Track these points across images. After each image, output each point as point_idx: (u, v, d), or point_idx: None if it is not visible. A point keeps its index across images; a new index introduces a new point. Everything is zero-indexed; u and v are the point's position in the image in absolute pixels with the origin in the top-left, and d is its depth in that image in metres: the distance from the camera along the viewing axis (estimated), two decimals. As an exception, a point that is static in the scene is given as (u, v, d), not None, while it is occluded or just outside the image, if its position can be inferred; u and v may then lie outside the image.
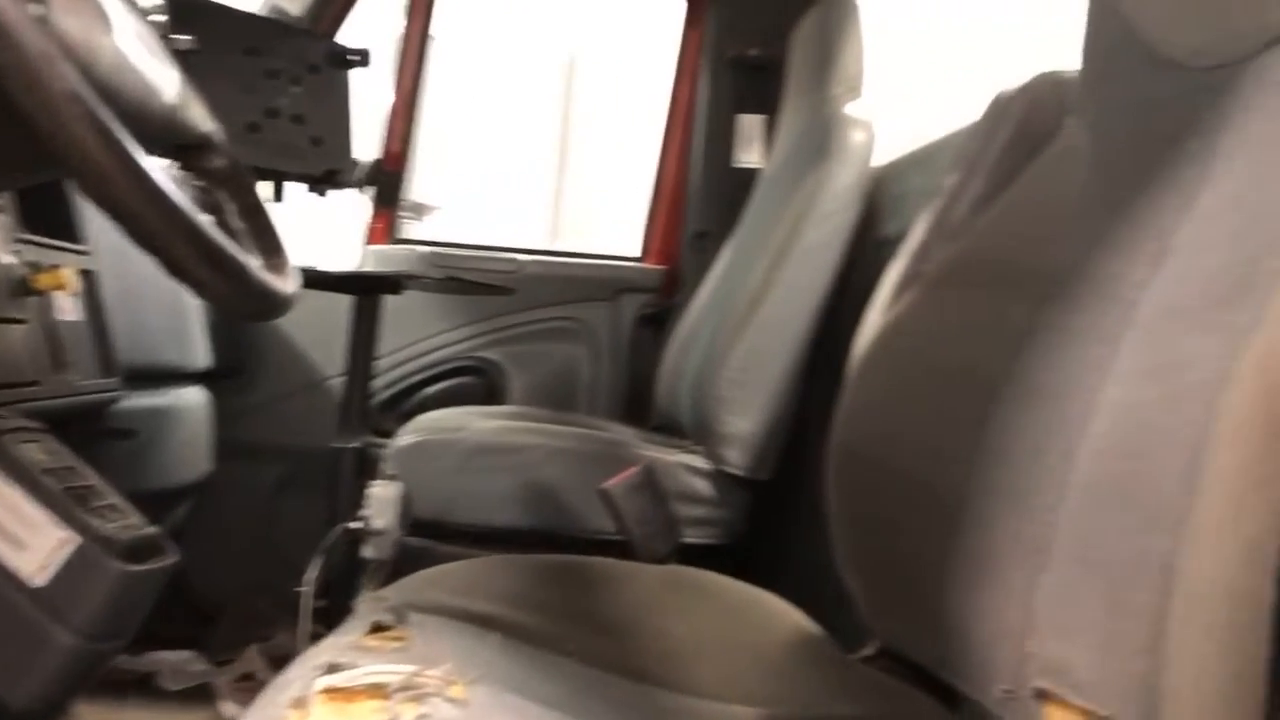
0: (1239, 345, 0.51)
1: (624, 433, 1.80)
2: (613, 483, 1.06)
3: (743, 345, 1.56)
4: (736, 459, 1.55)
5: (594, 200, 6.96)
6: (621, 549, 1.20)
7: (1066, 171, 0.78)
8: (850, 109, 1.66)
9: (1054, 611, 0.62)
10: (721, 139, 2.23)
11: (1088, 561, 0.60)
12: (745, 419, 1.54)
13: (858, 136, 1.58)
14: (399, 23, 2.25)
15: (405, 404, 2.18)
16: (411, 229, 2.50)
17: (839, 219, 1.54)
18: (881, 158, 1.60)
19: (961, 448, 0.73)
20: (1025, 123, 0.86)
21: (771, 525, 1.62)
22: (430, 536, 1.49)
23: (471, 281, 1.99)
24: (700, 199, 2.26)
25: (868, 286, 0.95)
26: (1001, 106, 0.89)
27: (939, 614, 0.73)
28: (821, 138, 1.62)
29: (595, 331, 2.30)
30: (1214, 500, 0.48)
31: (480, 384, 2.25)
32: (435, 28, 2.27)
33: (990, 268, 0.81)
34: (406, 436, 1.57)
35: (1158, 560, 0.53)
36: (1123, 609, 0.55)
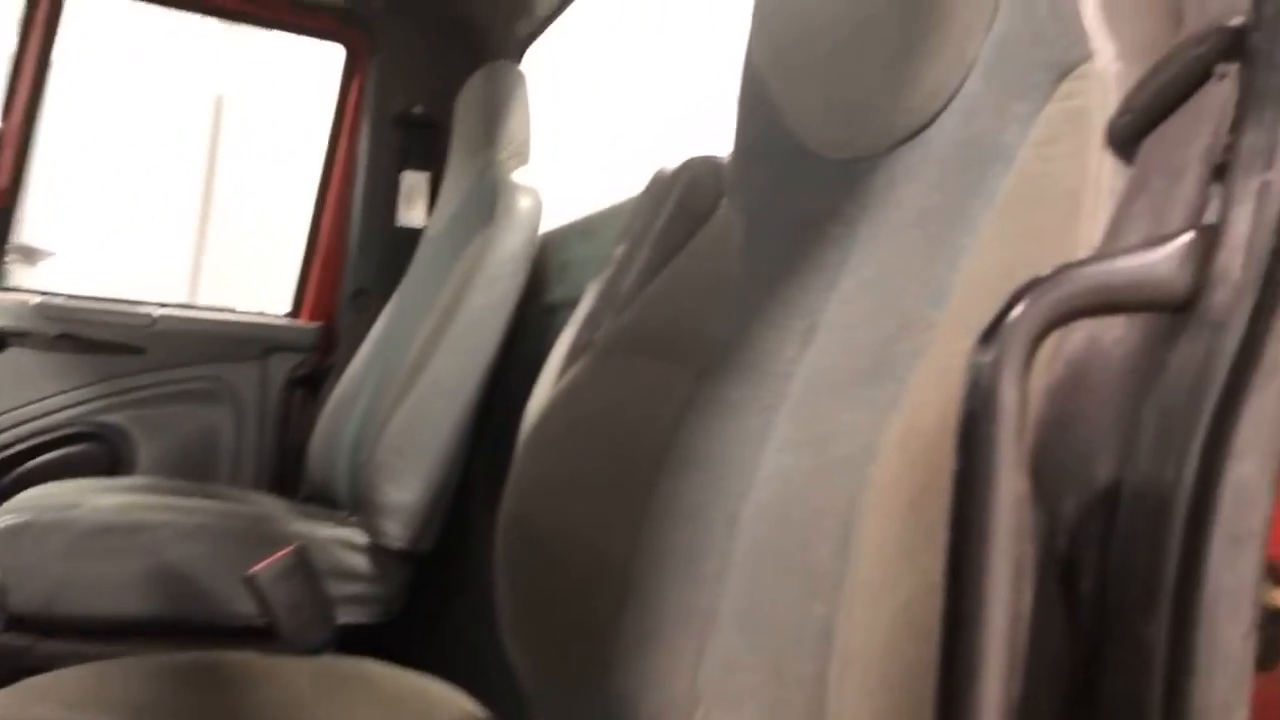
0: (881, 421, 0.55)
1: (271, 505, 1.67)
2: (259, 568, 0.96)
3: (404, 410, 1.50)
4: (396, 531, 1.47)
5: (241, 251, 6.52)
6: (267, 636, 1.09)
7: (723, 249, 0.82)
8: (517, 175, 1.67)
9: (721, 679, 0.62)
10: (383, 194, 2.17)
11: (752, 628, 0.61)
12: (405, 489, 1.48)
13: (525, 202, 1.59)
14: (11, 40, 1.99)
15: (4, 479, 1.88)
16: (20, 275, 2.19)
17: (506, 283, 1.53)
18: (544, 225, 1.62)
19: (631, 517, 0.73)
20: (685, 199, 0.89)
21: (433, 601, 1.56)
22: (33, 632, 1.29)
23: (90, 340, 1.76)
24: (360, 255, 2.18)
25: (533, 352, 0.94)
26: (663, 183, 0.92)
27: (607, 687, 0.72)
28: (489, 201, 1.62)
29: (240, 393, 2.13)
30: (866, 567, 0.51)
31: (101, 452, 1.99)
32: (59, 50, 2.02)
33: (656, 338, 0.83)
34: (4, 517, 1.35)
35: (816, 626, 0.55)
36: (785, 675, 0.57)
